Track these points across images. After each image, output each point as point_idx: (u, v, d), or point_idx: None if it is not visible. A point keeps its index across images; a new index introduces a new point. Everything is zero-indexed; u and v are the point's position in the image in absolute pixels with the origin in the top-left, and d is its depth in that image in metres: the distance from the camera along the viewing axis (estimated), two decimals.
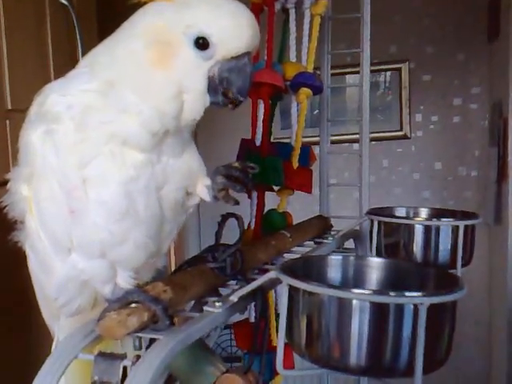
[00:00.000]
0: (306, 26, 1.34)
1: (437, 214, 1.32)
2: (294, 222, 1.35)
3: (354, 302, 0.69)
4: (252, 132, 1.30)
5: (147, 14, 0.79)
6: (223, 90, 0.80)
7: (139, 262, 0.83)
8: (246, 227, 1.19)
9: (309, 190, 1.33)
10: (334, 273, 0.89)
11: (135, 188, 0.78)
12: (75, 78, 0.81)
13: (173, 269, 0.98)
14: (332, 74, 1.58)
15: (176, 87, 0.77)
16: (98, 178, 0.76)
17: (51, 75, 2.02)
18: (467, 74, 3.41)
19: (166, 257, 0.97)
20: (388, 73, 3.51)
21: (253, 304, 1.06)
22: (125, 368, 0.71)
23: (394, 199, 3.45)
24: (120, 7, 0.84)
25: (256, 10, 1.25)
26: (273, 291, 1.30)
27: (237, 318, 1.15)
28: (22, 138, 0.81)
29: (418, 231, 1.18)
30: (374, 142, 2.89)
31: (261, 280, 0.83)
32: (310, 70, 1.33)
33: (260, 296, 0.91)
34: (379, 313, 0.68)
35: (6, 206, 0.83)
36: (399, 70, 3.47)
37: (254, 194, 1.28)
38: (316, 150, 1.45)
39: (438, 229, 1.17)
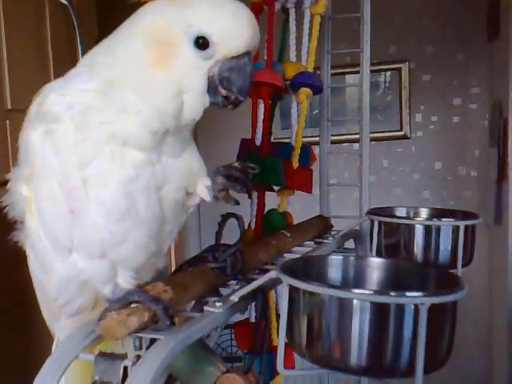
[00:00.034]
0: (306, 26, 1.34)
1: (437, 214, 1.32)
2: (295, 222, 1.35)
3: (355, 302, 0.68)
4: (252, 132, 1.30)
5: (147, 14, 0.79)
6: (223, 90, 0.80)
7: (139, 261, 0.83)
8: (246, 227, 1.18)
9: (309, 190, 1.33)
10: (334, 273, 0.89)
11: (135, 188, 0.78)
12: (75, 78, 0.81)
13: (173, 269, 0.97)
14: (332, 74, 1.58)
15: (176, 87, 0.77)
16: (98, 178, 0.76)
17: (51, 75, 2.02)
18: (467, 74, 3.41)
19: (167, 257, 0.97)
20: (388, 73, 3.51)
21: (253, 304, 1.05)
22: (125, 368, 0.71)
23: (394, 199, 3.45)
24: (120, 7, 0.84)
25: (256, 10, 1.25)
26: (273, 291, 1.30)
27: (237, 317, 1.15)
28: (22, 138, 0.81)
29: (419, 231, 1.18)
30: (373, 142, 2.89)
31: (261, 280, 0.83)
32: (310, 69, 1.33)
33: (260, 296, 0.91)
34: (380, 313, 0.68)
35: (5, 206, 0.83)
36: (399, 70, 3.47)
37: (255, 194, 1.28)
38: (316, 149, 1.45)
39: (438, 229, 1.17)
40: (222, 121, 3.32)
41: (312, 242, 1.28)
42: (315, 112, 2.79)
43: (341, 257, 0.92)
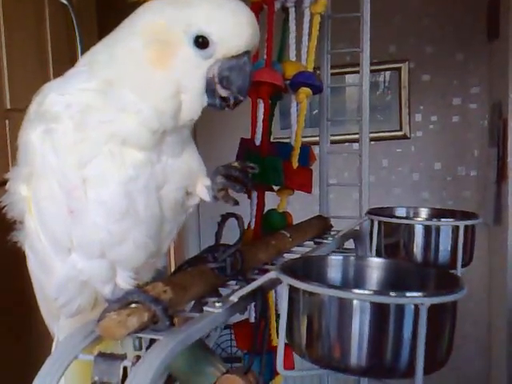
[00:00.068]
0: (306, 25, 1.34)
1: (437, 214, 1.32)
2: (294, 222, 1.35)
3: (355, 302, 0.68)
4: (252, 132, 1.30)
5: (147, 13, 0.79)
6: (222, 90, 0.80)
7: (139, 262, 0.83)
8: (245, 227, 1.18)
9: (309, 190, 1.33)
10: (334, 273, 0.89)
11: (135, 188, 0.78)
12: (74, 77, 0.81)
13: (173, 269, 0.97)
14: (332, 74, 1.58)
15: (174, 86, 0.77)
16: (98, 177, 0.76)
17: (50, 75, 2.02)
18: (467, 74, 3.41)
19: (166, 257, 0.97)
20: (387, 73, 3.51)
21: (253, 304, 1.05)
22: (125, 368, 0.71)
23: (393, 199, 3.45)
24: (120, 6, 0.84)
25: (256, 9, 1.25)
26: (273, 291, 1.30)
27: (237, 318, 1.15)
28: (21, 137, 0.80)
29: (418, 231, 1.18)
30: (373, 142, 2.88)
31: (261, 280, 0.83)
32: (310, 69, 1.33)
33: (260, 296, 0.91)
34: (380, 313, 0.68)
35: (5, 206, 0.83)
36: (399, 69, 3.47)
37: (254, 194, 1.28)
38: (316, 149, 1.45)
39: (438, 229, 1.17)
40: (222, 120, 3.32)
41: (312, 242, 1.28)
42: (315, 112, 2.79)
43: (340, 257, 0.92)
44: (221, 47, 0.78)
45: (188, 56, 0.77)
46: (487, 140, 3.34)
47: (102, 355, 0.73)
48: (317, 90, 1.32)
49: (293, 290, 0.74)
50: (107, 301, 0.81)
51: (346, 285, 0.86)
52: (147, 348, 0.73)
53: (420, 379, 0.68)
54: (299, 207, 1.60)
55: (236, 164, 0.91)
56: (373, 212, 1.28)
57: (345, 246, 1.38)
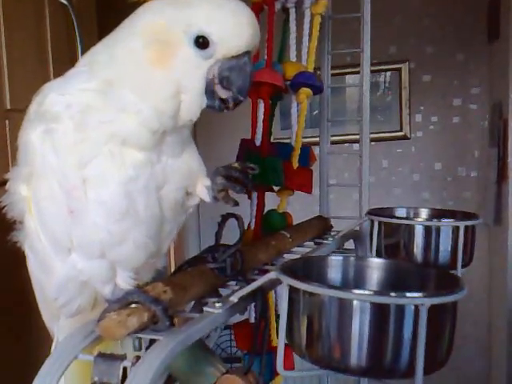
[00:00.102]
0: (306, 26, 1.34)
1: (437, 214, 1.32)
2: (294, 223, 1.35)
3: (355, 302, 0.68)
4: (252, 132, 1.30)
5: (147, 13, 0.79)
6: (222, 91, 0.80)
7: (139, 262, 0.83)
8: (246, 227, 1.18)
9: (309, 191, 1.33)
10: (334, 273, 0.89)
11: (135, 188, 0.78)
12: (74, 77, 0.81)
13: (172, 269, 0.97)
14: (332, 75, 1.58)
15: (174, 87, 0.77)
16: (98, 177, 0.76)
17: (50, 75, 2.02)
18: (467, 75, 3.41)
19: (166, 257, 0.97)
20: (388, 73, 3.51)
21: (253, 304, 1.05)
22: (125, 369, 0.71)
23: (393, 200, 3.45)
24: (120, 6, 0.84)
25: (256, 10, 1.25)
26: (273, 292, 1.30)
27: (237, 318, 1.15)
28: (21, 137, 0.80)
29: (419, 232, 1.17)
30: (373, 143, 2.89)
31: (261, 280, 0.83)
32: (311, 69, 1.33)
33: (260, 296, 0.91)
34: (380, 313, 0.68)
35: (5, 206, 0.83)
36: (399, 70, 3.47)
37: (254, 195, 1.28)
38: (316, 150, 1.45)
39: (438, 229, 1.17)
40: (222, 121, 3.32)
41: (312, 243, 1.28)
42: (315, 112, 2.79)
43: (341, 257, 0.92)
44: (221, 47, 0.78)
45: (188, 56, 0.77)
46: (487, 140, 3.34)
47: (101, 355, 0.72)
48: (317, 90, 1.32)
49: (293, 291, 0.74)
50: (107, 301, 0.81)
51: (346, 285, 0.86)
52: (147, 348, 0.73)
53: (420, 379, 0.68)
54: (299, 207, 1.60)
55: (236, 165, 0.91)
56: (373, 212, 1.28)
57: (345, 247, 1.38)
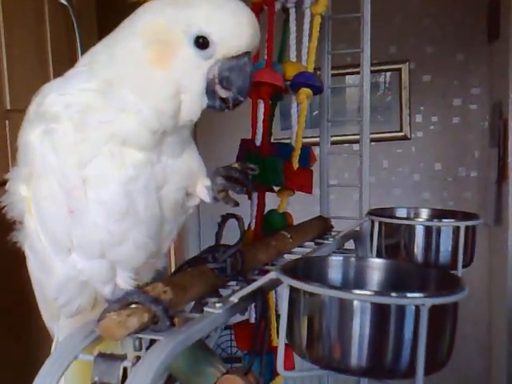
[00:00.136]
0: (307, 26, 1.33)
1: (437, 214, 1.32)
2: (295, 223, 1.35)
3: (355, 302, 0.68)
4: (252, 132, 1.30)
5: (147, 13, 0.79)
6: (222, 91, 0.80)
7: (139, 262, 0.83)
8: (246, 228, 1.18)
9: (309, 191, 1.33)
10: (334, 274, 0.88)
11: (135, 188, 0.78)
12: (74, 78, 0.80)
13: (173, 269, 0.97)
14: (332, 75, 1.58)
15: (174, 87, 0.77)
16: (98, 177, 0.76)
17: (50, 75, 2.02)
18: (467, 75, 3.41)
19: (166, 257, 0.97)
20: (388, 73, 3.51)
21: (253, 305, 1.05)
22: (125, 369, 0.71)
23: (393, 200, 3.45)
24: (120, 7, 0.84)
25: (256, 10, 1.25)
26: (273, 292, 1.30)
27: (237, 318, 1.15)
28: (21, 137, 0.80)
29: (419, 232, 1.17)
30: (373, 143, 2.88)
31: (261, 281, 0.83)
32: (311, 69, 1.33)
33: (260, 297, 0.90)
34: (380, 314, 0.68)
35: (4, 207, 0.83)
36: (399, 70, 3.46)
37: (255, 195, 1.27)
38: (316, 150, 1.45)
39: (438, 230, 1.17)
40: (222, 121, 3.32)
41: (312, 243, 1.28)
42: (315, 113, 2.79)
43: (341, 258, 0.92)
44: (221, 47, 0.77)
45: (188, 56, 0.77)
46: (488, 140, 3.34)
47: (101, 355, 0.72)
48: (317, 90, 1.32)
49: (293, 291, 0.74)
50: (107, 301, 0.81)
51: (346, 285, 0.86)
52: (147, 348, 0.72)
53: (420, 380, 0.68)
54: (299, 208, 1.60)
55: (236, 165, 0.91)
56: (373, 213, 1.28)
57: (345, 247, 1.38)
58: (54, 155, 0.76)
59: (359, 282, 0.88)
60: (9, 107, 1.81)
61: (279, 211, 1.33)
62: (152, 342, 0.74)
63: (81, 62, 0.84)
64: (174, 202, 0.85)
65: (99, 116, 0.76)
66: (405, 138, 3.51)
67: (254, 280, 0.85)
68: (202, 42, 0.76)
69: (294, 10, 1.34)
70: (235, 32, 0.77)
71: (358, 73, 1.55)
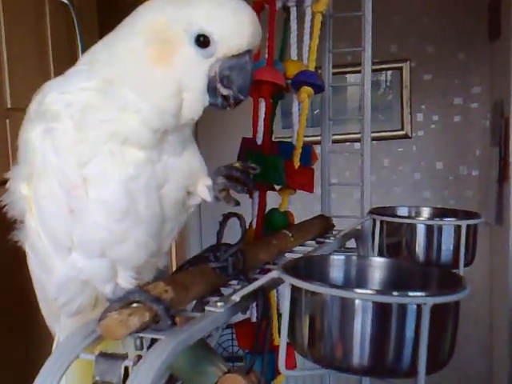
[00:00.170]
0: (307, 24, 1.33)
1: (439, 213, 1.32)
2: (296, 222, 1.35)
3: (357, 301, 0.68)
4: (253, 131, 1.30)
5: (147, 11, 0.78)
6: (223, 89, 0.80)
7: (140, 261, 0.83)
8: (247, 227, 1.18)
9: (310, 190, 1.33)
10: (336, 273, 0.88)
11: (135, 187, 0.77)
12: (74, 76, 0.80)
13: (174, 268, 0.97)
14: (333, 74, 1.57)
15: (176, 85, 0.77)
16: (98, 176, 0.76)
17: (51, 74, 2.02)
18: (468, 74, 3.41)
19: (167, 256, 0.97)
20: (389, 72, 3.51)
21: (254, 304, 1.05)
22: (126, 368, 0.71)
23: (394, 199, 3.45)
24: (120, 5, 0.83)
25: (257, 8, 1.24)
26: (274, 291, 1.30)
27: (238, 317, 1.15)
28: (22, 136, 0.80)
29: (421, 231, 1.17)
30: (374, 142, 2.86)
31: (263, 280, 0.83)
32: (312, 68, 1.33)
33: (262, 296, 0.90)
34: (382, 313, 0.68)
35: (5, 206, 0.83)
36: (400, 69, 3.46)
37: (256, 194, 1.27)
38: (317, 149, 1.45)
39: (440, 228, 1.16)
40: (223, 120, 3.32)
41: (313, 242, 1.28)
42: (316, 111, 2.79)
43: (342, 256, 0.92)
44: (222, 46, 0.77)
45: (189, 55, 0.77)
46: (489, 139, 3.34)
47: (103, 355, 0.72)
48: (318, 89, 1.32)
49: (295, 290, 0.74)
50: (108, 300, 0.81)
51: (348, 284, 0.86)
52: (148, 348, 0.72)
53: (422, 379, 0.68)
54: (301, 207, 1.60)
55: (237, 164, 0.91)
56: (375, 211, 1.28)
57: (347, 246, 1.38)
58: (54, 154, 0.76)
59: (361, 280, 0.88)
60: (9, 106, 1.81)
61: (280, 210, 1.33)
62: (153, 341, 0.74)
63: (81, 60, 0.84)
64: (174, 201, 0.85)
65: (100, 115, 0.76)
66: (406, 136, 3.51)
67: (256, 279, 0.85)
68: (202, 41, 0.76)
69: (294, 8, 1.34)
70: (236, 31, 0.77)
71: (359, 71, 1.54)
